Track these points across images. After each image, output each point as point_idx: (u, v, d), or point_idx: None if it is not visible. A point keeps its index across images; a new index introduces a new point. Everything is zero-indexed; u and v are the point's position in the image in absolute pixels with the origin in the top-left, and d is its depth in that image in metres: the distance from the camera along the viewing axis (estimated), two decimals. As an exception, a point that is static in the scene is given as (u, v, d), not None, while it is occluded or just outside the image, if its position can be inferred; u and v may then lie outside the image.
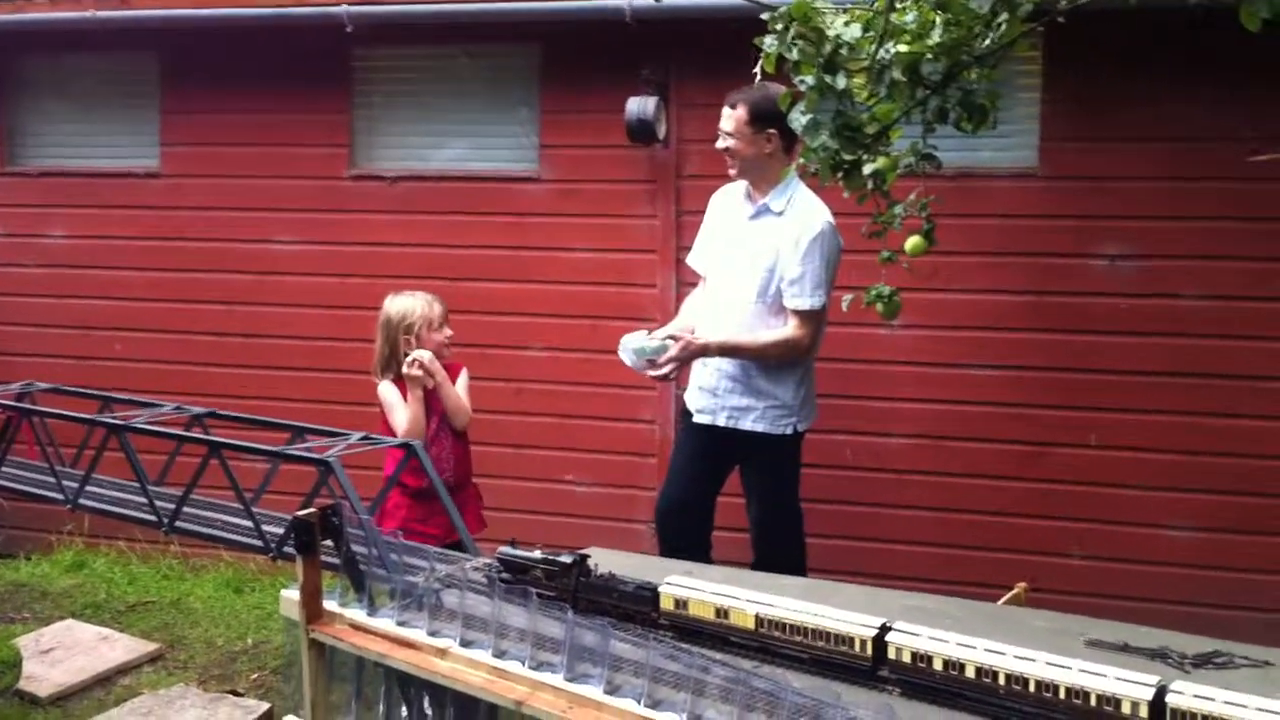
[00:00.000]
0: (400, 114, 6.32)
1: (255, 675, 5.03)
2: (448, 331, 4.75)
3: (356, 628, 2.93)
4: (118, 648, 5.24)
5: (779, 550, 4.59)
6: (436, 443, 4.62)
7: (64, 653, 5.17)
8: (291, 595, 3.06)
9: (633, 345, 4.47)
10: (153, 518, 3.66)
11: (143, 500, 3.73)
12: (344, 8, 5.81)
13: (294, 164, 6.30)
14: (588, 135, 5.89)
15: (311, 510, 3.02)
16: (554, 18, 5.71)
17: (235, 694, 4.80)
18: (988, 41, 3.63)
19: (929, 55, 3.62)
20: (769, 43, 3.80)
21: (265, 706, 4.67)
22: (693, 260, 4.86)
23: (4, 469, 4.04)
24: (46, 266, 6.73)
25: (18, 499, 5.00)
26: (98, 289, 6.62)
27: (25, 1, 6.50)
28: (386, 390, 4.65)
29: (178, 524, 3.62)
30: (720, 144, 4.58)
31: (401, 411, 4.58)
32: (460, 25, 5.86)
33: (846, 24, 3.76)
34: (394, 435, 4.45)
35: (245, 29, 6.17)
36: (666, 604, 2.68)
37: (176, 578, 6.15)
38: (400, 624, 2.87)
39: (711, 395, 4.57)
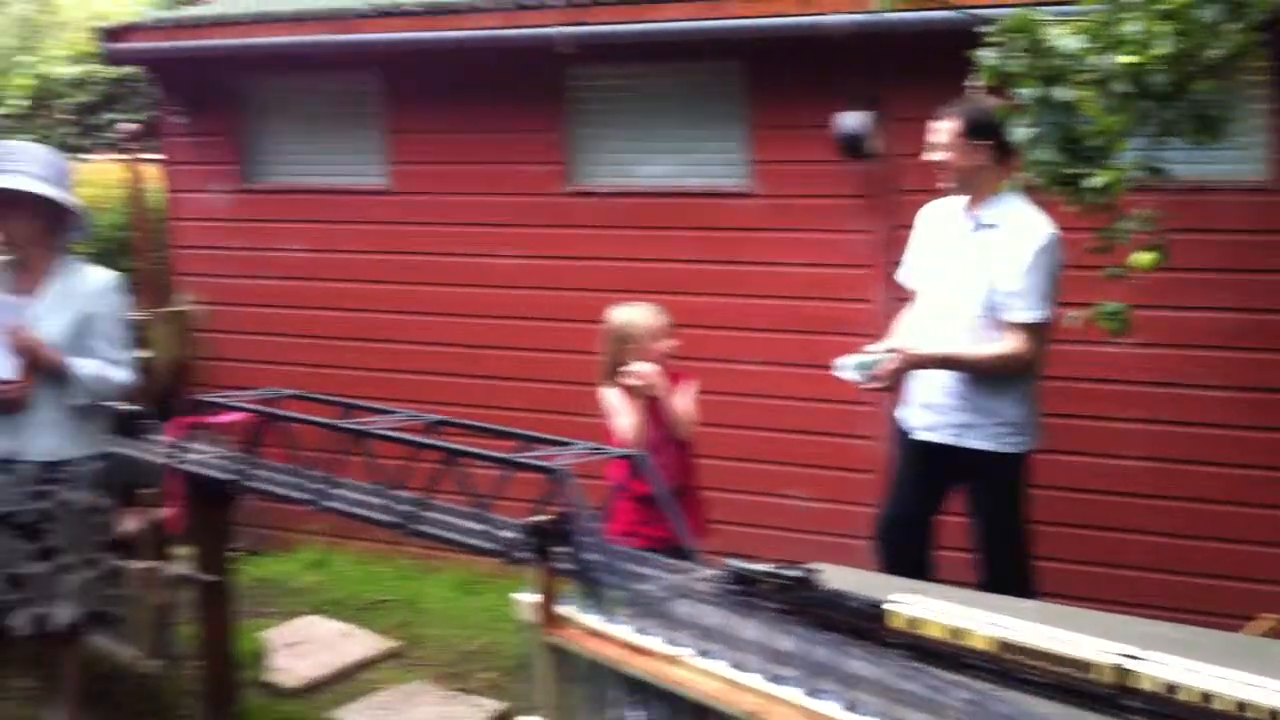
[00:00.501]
0: (613, 131, 6.49)
1: (488, 675, 5.24)
2: (669, 343, 4.86)
3: (591, 633, 3.05)
4: (358, 644, 5.53)
5: (1005, 572, 4.53)
6: (659, 451, 4.73)
7: (308, 647, 5.48)
8: (526, 600, 3.20)
9: (852, 361, 4.51)
10: (394, 520, 3.87)
11: (382, 503, 3.96)
12: (559, 29, 6.00)
13: (513, 180, 6.54)
14: (799, 150, 5.95)
15: (546, 517, 3.17)
16: (763, 34, 5.78)
17: (469, 693, 5.01)
18: (1217, 52, 3.55)
19: (1155, 66, 3.57)
20: (987, 56, 3.80)
21: (499, 705, 4.86)
22: (904, 276, 4.86)
23: (256, 472, 4.31)
24: (282, 278, 7.13)
25: (267, 500, 5.33)
26: (332, 301, 6.98)
27: (253, 26, 6.92)
28: (610, 397, 4.78)
29: (416, 526, 3.83)
30: (932, 157, 4.58)
31: (622, 418, 4.71)
32: (670, 43, 6.00)
33: (1067, 36, 3.73)
34: (616, 441, 4.59)
35: (465, 51, 6.44)
36: (897, 622, 2.71)
37: (411, 578, 6.44)
38: (638, 631, 2.97)
39: (934, 412, 4.57)
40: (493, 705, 4.88)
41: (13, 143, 4.78)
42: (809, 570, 2.99)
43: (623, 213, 6.32)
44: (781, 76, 5.94)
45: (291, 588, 6.35)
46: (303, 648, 5.47)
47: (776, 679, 2.65)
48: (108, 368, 4.42)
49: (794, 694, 2.59)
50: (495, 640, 5.58)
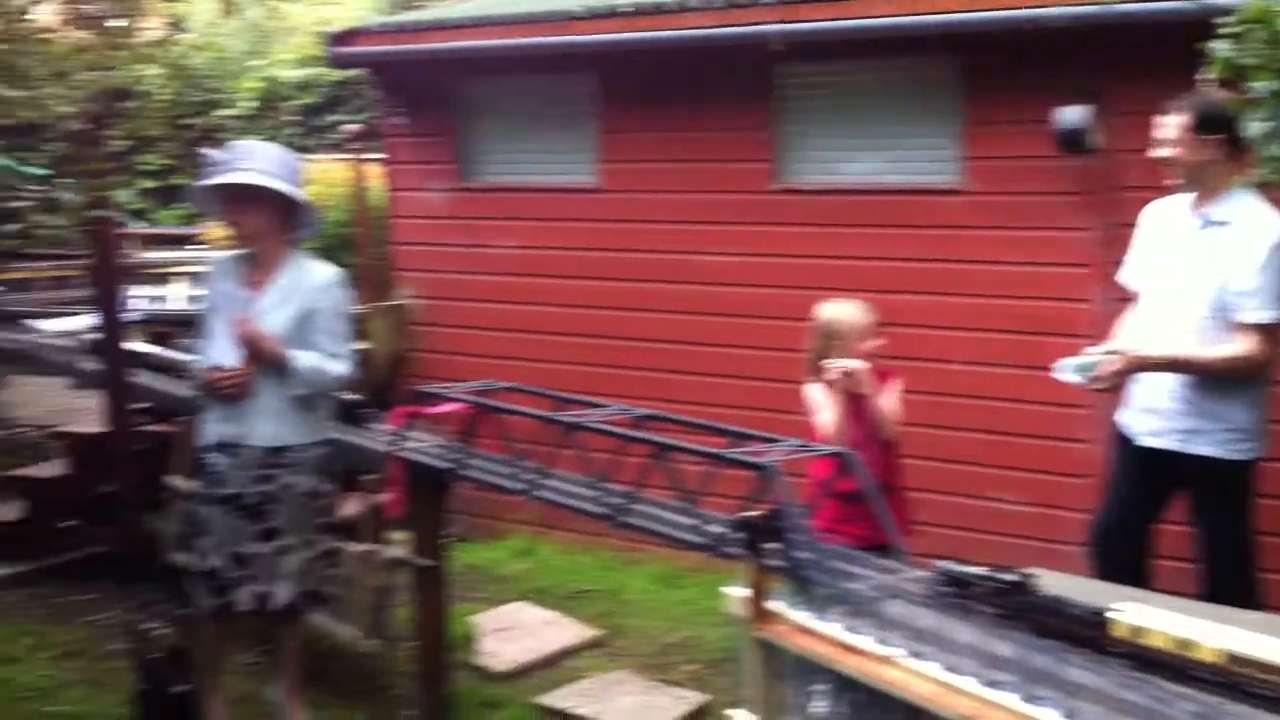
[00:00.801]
0: (821, 128, 6.47)
1: (690, 667, 5.29)
2: (876, 342, 4.82)
3: (800, 629, 3.06)
4: (563, 631, 5.65)
5: (1228, 583, 4.34)
6: (862, 450, 4.69)
7: (515, 632, 5.62)
8: (735, 594, 3.22)
9: (1073, 363, 4.40)
10: (603, 511, 3.94)
11: (592, 494, 4.04)
12: (770, 27, 6.01)
13: (722, 178, 6.59)
14: (1013, 146, 5.83)
15: (756, 513, 3.18)
16: (978, 28, 5.68)
17: (672, 684, 5.07)
18: None
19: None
20: (1221, 48, 3.65)
21: (701, 698, 4.90)
22: (1126, 276, 4.71)
23: (471, 461, 4.44)
24: (496, 274, 7.34)
25: (481, 488, 5.49)
26: (543, 296, 7.16)
27: (471, 29, 7.12)
28: (813, 392, 4.77)
29: (625, 518, 3.89)
30: (1159, 153, 4.42)
31: (824, 413, 4.69)
32: (882, 39, 5.94)
33: (1309, 26, 3.56)
34: (819, 436, 4.57)
35: (676, 50, 6.50)
36: (1120, 631, 2.63)
37: (614, 569, 6.54)
38: (848, 630, 2.97)
39: (1159, 416, 4.41)
40: (695, 697, 4.91)
41: (249, 141, 5.02)
42: (1025, 575, 2.94)
43: (830, 210, 6.30)
44: (996, 71, 5.83)
45: (499, 575, 6.52)
46: (510, 633, 5.61)
47: (992, 684, 2.61)
48: (326, 360, 4.58)
49: (1010, 699, 2.54)
50: (696, 633, 5.62)
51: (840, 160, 6.40)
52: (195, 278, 9.33)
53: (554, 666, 5.36)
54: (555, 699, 4.95)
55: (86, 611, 6.04)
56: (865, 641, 2.90)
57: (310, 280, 4.63)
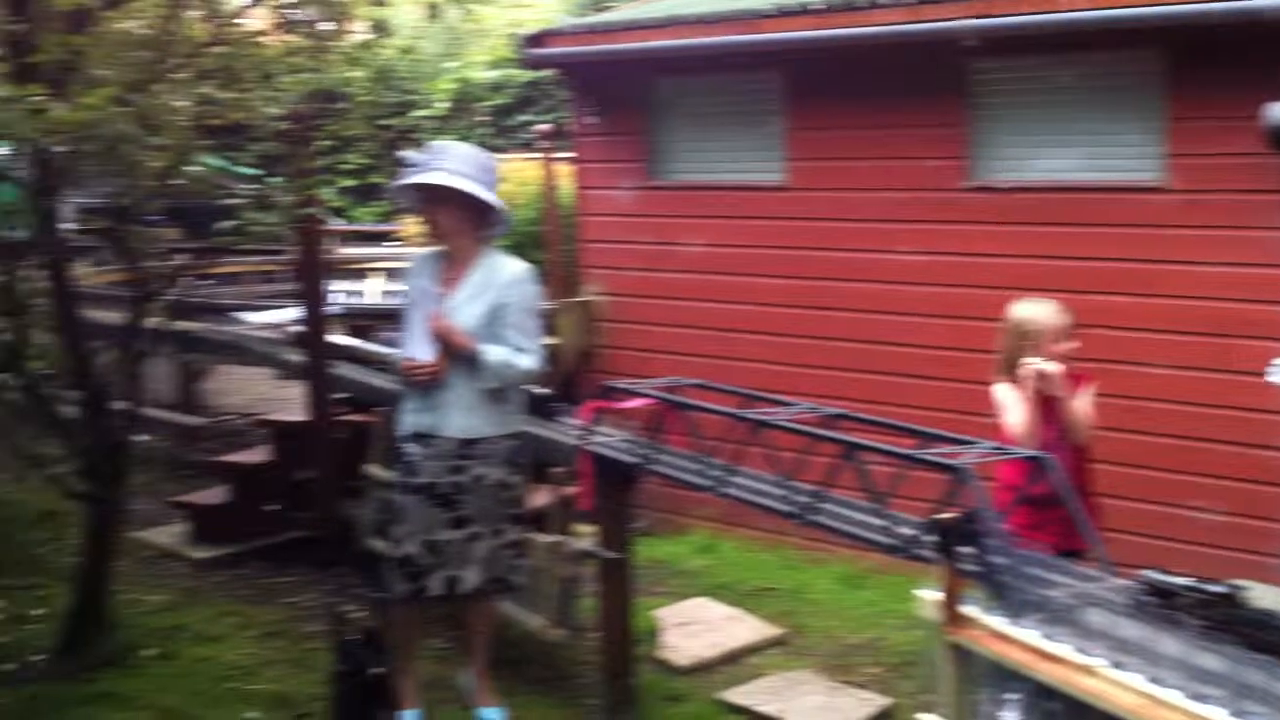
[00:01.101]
0: (1016, 125, 6.34)
1: (873, 670, 5.24)
2: (1069, 345, 4.69)
3: (995, 635, 3.00)
4: (745, 628, 5.65)
5: None
6: (1053, 453, 4.58)
7: (697, 627, 5.65)
8: (928, 596, 3.18)
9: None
10: (789, 509, 3.93)
11: (778, 492, 4.03)
12: (964, 22, 5.90)
13: (912, 176, 6.50)
14: (1221, 143, 5.61)
15: (951, 515, 3.14)
16: (1185, 21, 5.48)
17: (855, 686, 5.03)
18: None
19: None
20: None
21: (884, 701, 4.85)
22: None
23: (657, 456, 4.48)
24: (684, 272, 7.39)
25: (666, 484, 5.54)
26: (729, 294, 7.18)
27: (661, 29, 7.17)
28: (1002, 392, 4.67)
29: (813, 517, 3.87)
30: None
31: (1014, 415, 4.59)
32: (1081, 33, 5.78)
33: None
34: (1007, 438, 4.48)
35: (866, 46, 6.44)
36: (1337, 647, 2.53)
37: (796, 568, 6.52)
38: (1045, 636, 2.90)
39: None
40: (879, 700, 4.87)
41: (446, 142, 5.14)
42: (1234, 586, 2.83)
43: (1025, 208, 6.16)
44: (1204, 65, 5.62)
45: (682, 570, 6.56)
46: (692, 628, 5.64)
47: (1199, 697, 2.53)
48: (515, 355, 4.66)
49: (1219, 714, 2.46)
50: (880, 635, 5.57)
51: (1035, 157, 6.25)
52: (391, 273, 9.65)
53: (736, 663, 5.37)
54: (738, 695, 4.96)
55: (286, 593, 6.29)
56: (1064, 650, 2.83)
57: (501, 276, 4.72)
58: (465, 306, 4.68)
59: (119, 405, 5.37)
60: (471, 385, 4.67)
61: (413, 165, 4.86)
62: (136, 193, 4.81)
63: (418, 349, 4.73)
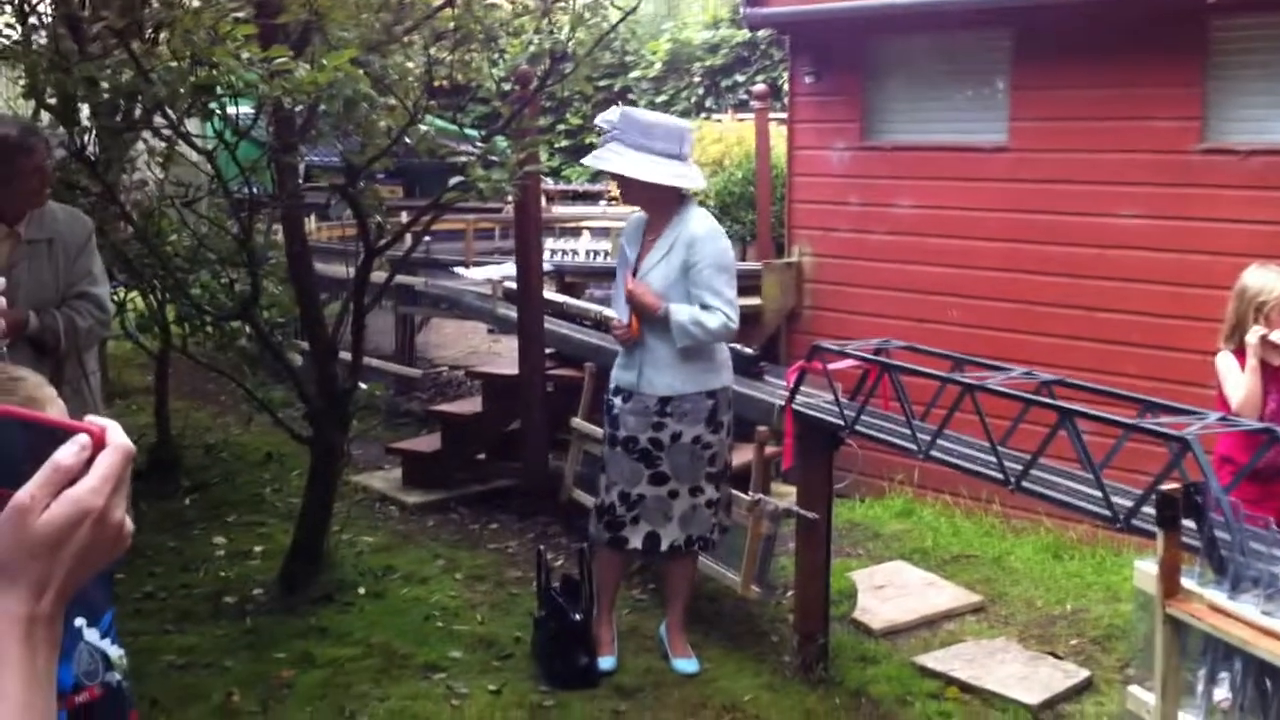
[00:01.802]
0: (1255, 85, 6.01)
1: (1074, 641, 5.09)
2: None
3: (1215, 609, 2.88)
4: (943, 594, 5.56)
5: None
6: (1276, 423, 4.35)
7: (893, 591, 5.58)
8: (1147, 568, 3.07)
9: None
10: (999, 475, 3.83)
11: (988, 458, 3.93)
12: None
13: (1141, 137, 6.23)
14: None
15: (1175, 486, 3.01)
16: None
17: (1055, 656, 4.91)
18: None
19: None
20: None
21: (1085, 674, 4.72)
22: None
23: (863, 418, 4.43)
24: (893, 234, 7.26)
25: (870, 446, 5.49)
26: (939, 257, 7.02)
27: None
28: (1224, 360, 4.45)
29: (1024, 484, 3.77)
30: None
31: (1236, 382, 4.37)
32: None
33: None
34: (1227, 408, 4.27)
35: (1098, 2, 6.19)
36: None
37: (997, 536, 6.38)
38: (1265, 613, 2.77)
39: None
40: (1080, 673, 4.72)
41: (639, 113, 5.12)
42: None
43: (1262, 172, 5.82)
44: None
45: (880, 533, 6.48)
46: (888, 591, 5.57)
47: None
48: (703, 314, 4.65)
49: None
50: (1083, 607, 5.39)
51: (1276, 119, 5.90)
52: (602, 232, 9.78)
53: (932, 628, 5.28)
54: (933, 660, 4.89)
55: (492, 540, 6.47)
56: (1285, 627, 2.70)
57: (688, 235, 4.72)
58: (655, 268, 4.74)
59: (344, 355, 5.59)
60: (669, 345, 4.71)
61: (602, 136, 4.91)
62: (368, 152, 4.98)
63: (619, 310, 4.86)
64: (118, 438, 1.09)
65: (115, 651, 1.76)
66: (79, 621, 1.68)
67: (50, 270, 4.39)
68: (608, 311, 4.95)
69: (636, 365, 4.78)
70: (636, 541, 4.83)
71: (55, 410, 1.59)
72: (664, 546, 4.83)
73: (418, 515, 6.81)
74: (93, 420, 1.10)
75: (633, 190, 4.83)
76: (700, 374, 4.79)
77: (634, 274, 4.79)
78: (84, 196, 5.66)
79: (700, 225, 4.75)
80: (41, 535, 1.04)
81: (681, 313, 4.65)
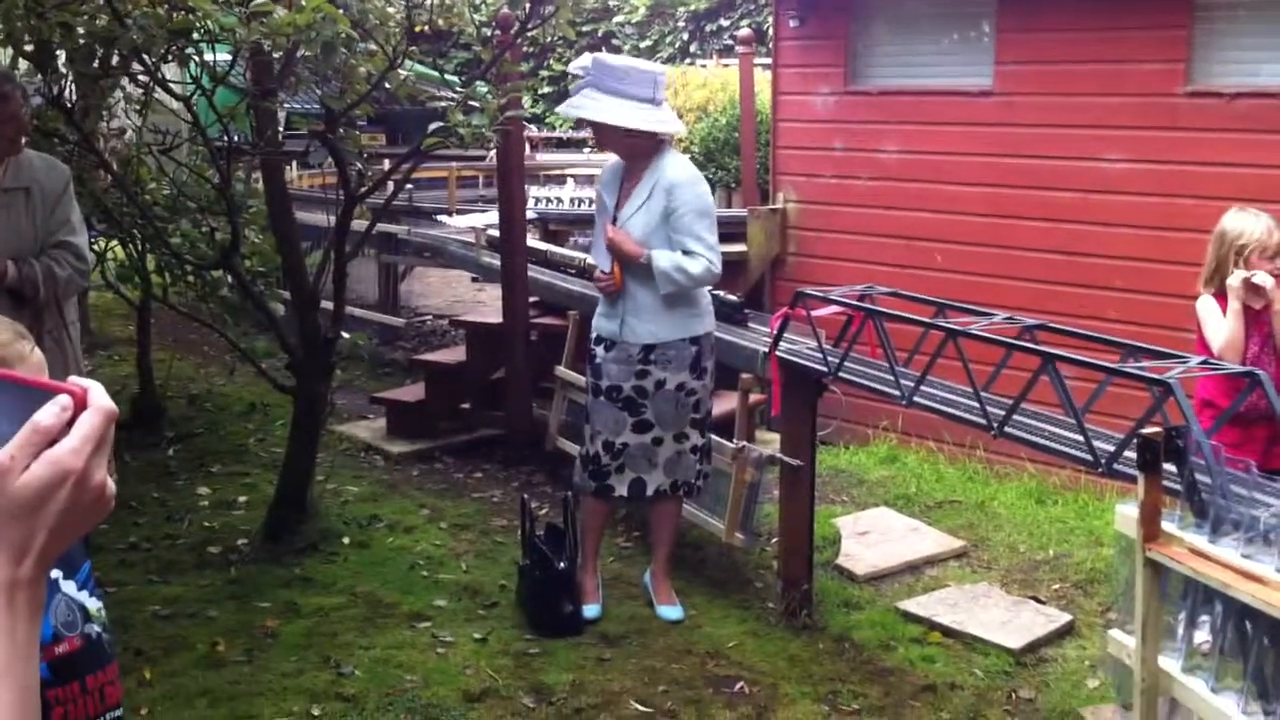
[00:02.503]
0: (1243, 26, 5.96)
1: (1056, 586, 5.12)
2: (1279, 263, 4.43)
3: (1196, 553, 2.89)
4: (926, 540, 5.58)
5: None
6: (1258, 366, 4.36)
7: (877, 537, 5.60)
8: (1128, 512, 3.08)
9: None
10: (982, 420, 3.83)
11: (971, 404, 3.93)
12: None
13: (1127, 80, 6.19)
14: None
15: (1156, 430, 3.01)
16: None
17: (1037, 601, 4.93)
18: None
19: None
20: None
21: (1067, 618, 4.75)
22: None
23: (847, 364, 4.43)
24: (878, 179, 7.22)
25: (854, 393, 5.48)
26: (924, 202, 6.98)
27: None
28: (1204, 304, 4.45)
29: (1007, 429, 3.77)
30: None
31: (1217, 326, 4.37)
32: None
33: None
34: (1208, 352, 4.28)
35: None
36: None
37: (980, 481, 6.39)
38: (1244, 556, 2.78)
39: None
40: (1062, 617, 4.76)
41: (611, 59, 5.06)
42: None
43: (1249, 115, 5.80)
44: None
45: (864, 480, 6.49)
46: (872, 537, 5.59)
47: None
48: (685, 259, 4.64)
49: None
50: (1065, 552, 5.43)
51: (1264, 61, 5.86)
52: (586, 180, 9.72)
53: (915, 574, 5.31)
54: (917, 605, 4.91)
55: (476, 489, 6.48)
56: (1265, 569, 2.70)
57: (667, 181, 4.68)
58: (634, 215, 4.72)
59: (326, 304, 5.56)
60: (651, 292, 4.70)
61: (576, 83, 4.86)
62: (348, 97, 4.92)
63: (600, 258, 4.83)
64: (99, 399, 1.07)
65: (94, 604, 1.76)
66: (55, 573, 1.67)
67: (28, 219, 4.34)
68: (590, 260, 4.90)
69: (619, 314, 4.76)
70: (622, 489, 4.84)
71: (27, 368, 1.58)
72: (649, 492, 4.85)
73: (402, 465, 6.81)
74: (74, 381, 1.08)
75: (608, 137, 4.79)
76: (683, 320, 4.78)
77: (614, 221, 4.76)
78: (61, 145, 5.59)
79: (679, 171, 4.72)
80: (21, 497, 1.03)
81: (663, 259, 4.64)
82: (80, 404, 1.06)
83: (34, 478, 1.02)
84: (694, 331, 4.80)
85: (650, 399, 4.75)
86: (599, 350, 4.83)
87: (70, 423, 1.05)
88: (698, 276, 4.67)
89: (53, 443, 1.04)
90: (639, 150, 4.75)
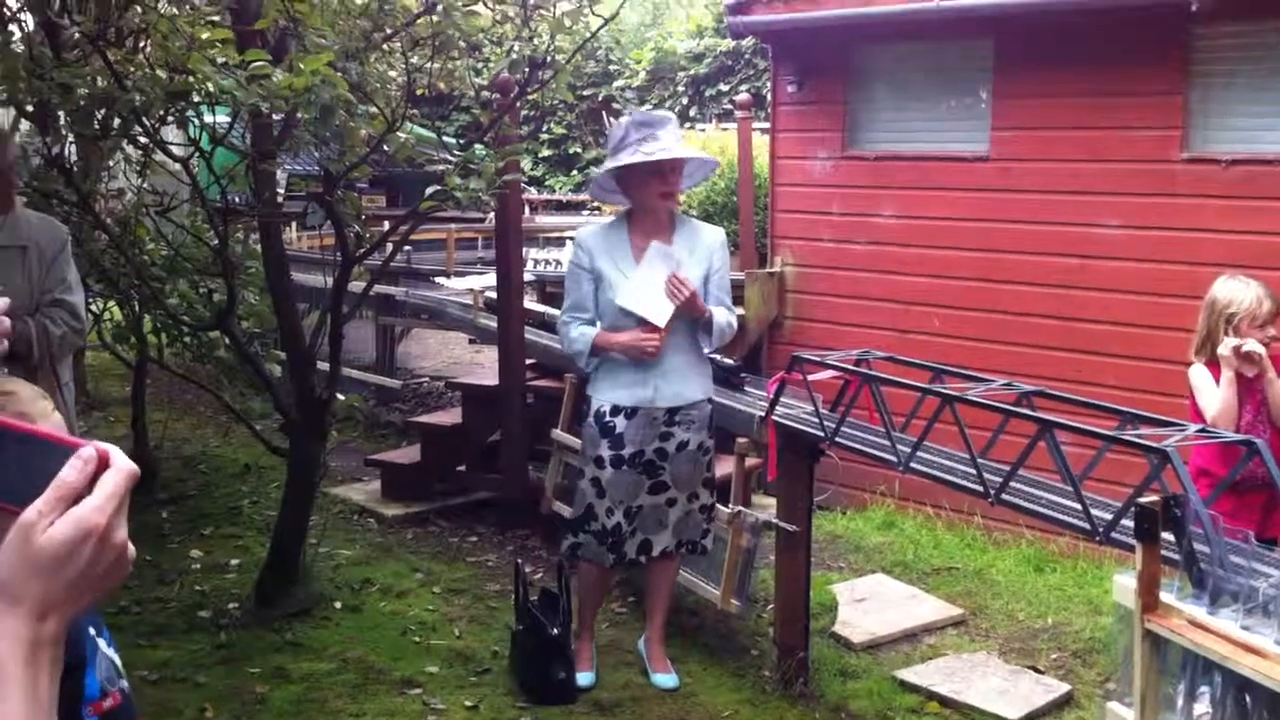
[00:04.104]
0: (1238, 94, 5.99)
1: (1055, 655, 5.06)
2: (1270, 332, 4.42)
3: (1195, 624, 2.85)
4: (924, 607, 5.52)
5: None
6: (1252, 434, 4.34)
7: (874, 604, 5.54)
8: (1126, 582, 3.04)
9: None
10: (979, 488, 3.80)
11: (968, 470, 3.90)
12: (1189, -14, 5.60)
13: (1123, 147, 6.21)
14: None
15: (1154, 499, 2.98)
16: None
17: (1035, 670, 4.87)
18: None
19: None
20: None
21: (1065, 688, 4.69)
22: None
23: (844, 429, 4.40)
24: (875, 244, 7.23)
25: (851, 457, 5.45)
26: (921, 267, 6.99)
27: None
28: (1197, 373, 4.45)
29: (1004, 496, 3.74)
30: None
31: (1210, 395, 4.36)
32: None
33: None
34: (1201, 420, 4.26)
35: (1080, 11, 6.18)
36: None
37: (978, 548, 6.34)
38: (1244, 628, 2.74)
39: None
40: (1060, 687, 4.70)
41: (653, 112, 5.10)
42: None
43: (1246, 182, 5.81)
44: None
45: (861, 545, 6.44)
46: (869, 604, 5.54)
47: None
48: (730, 314, 4.72)
49: None
50: (1064, 620, 5.37)
51: (1261, 128, 5.89)
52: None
53: (913, 642, 5.25)
54: (914, 674, 4.85)
55: (471, 552, 6.43)
56: (1264, 642, 2.66)
57: (709, 241, 4.74)
58: (690, 268, 4.63)
59: (322, 365, 5.54)
60: (680, 353, 4.68)
61: (626, 140, 4.66)
62: (346, 159, 4.94)
63: (653, 313, 4.59)
64: (120, 459, 1.08)
65: (117, 659, 1.80)
66: (92, 630, 1.73)
67: (23, 277, 4.34)
68: (640, 311, 4.62)
69: (651, 380, 4.66)
70: (632, 553, 4.81)
71: (50, 425, 1.60)
72: (655, 552, 4.81)
73: (396, 528, 6.76)
74: (96, 444, 1.09)
75: (658, 190, 4.63)
76: (702, 380, 4.81)
77: (677, 276, 4.60)
78: (60, 205, 5.61)
79: (716, 231, 4.84)
80: (46, 553, 1.03)
81: (720, 314, 4.68)
82: (103, 463, 1.07)
83: (59, 534, 1.03)
84: (709, 390, 4.87)
85: (670, 460, 4.73)
86: (618, 421, 4.69)
87: (92, 481, 1.06)
88: (727, 338, 4.80)
89: (76, 500, 1.04)
90: (664, 202, 4.70)
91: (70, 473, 1.05)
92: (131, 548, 1.08)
